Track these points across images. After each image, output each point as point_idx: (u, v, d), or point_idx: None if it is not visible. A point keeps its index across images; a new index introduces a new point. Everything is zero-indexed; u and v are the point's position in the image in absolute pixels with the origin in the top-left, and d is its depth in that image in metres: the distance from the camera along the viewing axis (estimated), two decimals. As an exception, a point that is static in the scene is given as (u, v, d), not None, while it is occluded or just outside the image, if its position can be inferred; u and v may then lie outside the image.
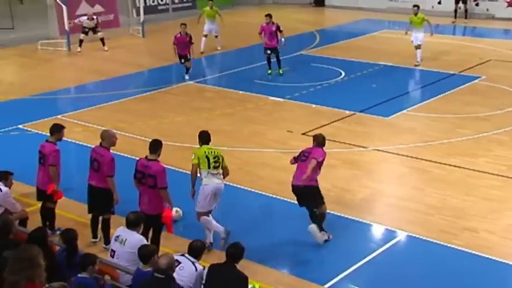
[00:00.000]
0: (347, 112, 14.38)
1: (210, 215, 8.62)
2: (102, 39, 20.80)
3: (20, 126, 13.53)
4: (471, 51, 20.14)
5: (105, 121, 13.54)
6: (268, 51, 17.24)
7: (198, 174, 8.56)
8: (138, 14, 24.21)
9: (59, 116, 13.77)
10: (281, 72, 17.43)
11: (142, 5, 23.67)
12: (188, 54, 16.78)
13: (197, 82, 17.07)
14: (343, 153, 12.04)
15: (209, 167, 8.49)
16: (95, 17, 20.91)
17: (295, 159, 8.95)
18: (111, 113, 14.45)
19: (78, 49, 20.61)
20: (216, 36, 20.88)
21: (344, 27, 25.50)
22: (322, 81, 16.89)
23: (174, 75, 18.12)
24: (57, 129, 8.90)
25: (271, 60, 17.35)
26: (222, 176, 8.63)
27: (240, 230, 8.84)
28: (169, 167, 10.75)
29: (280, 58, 17.33)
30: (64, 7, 20.81)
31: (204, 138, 8.87)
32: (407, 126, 13.60)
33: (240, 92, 16.13)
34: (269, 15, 17.46)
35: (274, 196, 10.26)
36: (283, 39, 17.29)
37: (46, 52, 20.84)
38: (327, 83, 16.81)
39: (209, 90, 16.44)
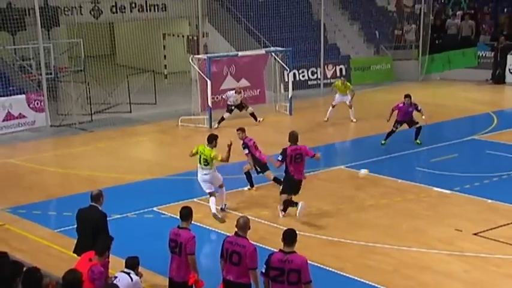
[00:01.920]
0: (532, 211, 13.72)
1: (212, 197, 13.46)
2: (252, 114, 21.96)
3: (154, 208, 14.30)
4: None
5: (244, 207, 13.93)
6: (398, 125, 18.80)
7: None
8: (286, 89, 25.09)
9: (195, 199, 14.40)
10: (419, 142, 18.80)
11: (291, 79, 24.55)
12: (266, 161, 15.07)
13: (348, 167, 17.14)
14: (527, 262, 11.42)
15: (200, 163, 13.44)
16: (242, 90, 21.99)
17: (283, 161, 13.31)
18: (252, 199, 14.86)
19: (216, 125, 21.74)
20: (350, 107, 22.09)
21: (529, 108, 24.62)
22: (500, 172, 16.25)
23: (324, 158, 18.29)
24: (189, 214, 9.25)
25: (395, 131, 18.86)
26: (209, 170, 13.35)
27: None
28: (311, 262, 10.75)
29: (447, 143, 17.82)
30: (209, 82, 22.07)
31: (208, 138, 13.56)
32: None
33: (399, 180, 15.97)
34: (409, 97, 18.82)
35: (436, 307, 9.96)
36: (423, 117, 18.75)
37: (186, 129, 22.20)
38: (506, 175, 16.15)
39: (362, 177, 16.39)
